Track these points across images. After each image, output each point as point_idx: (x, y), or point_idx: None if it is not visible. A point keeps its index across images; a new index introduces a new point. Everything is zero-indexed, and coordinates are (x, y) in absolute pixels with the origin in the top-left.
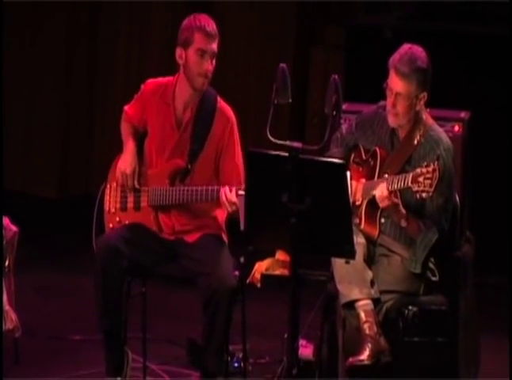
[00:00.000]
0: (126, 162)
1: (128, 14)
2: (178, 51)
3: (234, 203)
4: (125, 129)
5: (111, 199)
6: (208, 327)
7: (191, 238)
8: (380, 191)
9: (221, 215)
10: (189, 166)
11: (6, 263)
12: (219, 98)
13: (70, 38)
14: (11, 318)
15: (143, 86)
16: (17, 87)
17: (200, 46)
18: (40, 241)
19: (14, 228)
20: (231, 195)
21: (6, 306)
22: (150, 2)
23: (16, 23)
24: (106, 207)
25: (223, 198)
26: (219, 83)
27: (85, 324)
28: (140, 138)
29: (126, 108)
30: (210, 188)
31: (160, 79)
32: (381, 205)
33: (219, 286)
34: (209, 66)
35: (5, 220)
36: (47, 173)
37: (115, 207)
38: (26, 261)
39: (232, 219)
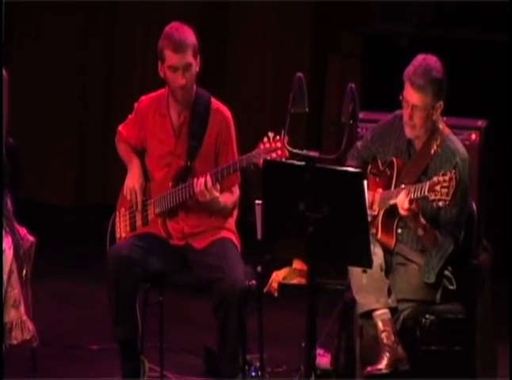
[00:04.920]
0: (134, 179)
1: (144, 15)
2: (159, 66)
3: (208, 190)
4: (124, 149)
5: (121, 225)
6: (220, 332)
7: (200, 244)
8: (402, 198)
9: (230, 217)
10: (189, 163)
11: (24, 273)
12: (212, 99)
13: (87, 40)
14: (28, 328)
15: (136, 105)
16: (33, 95)
17: (170, 63)
18: (56, 250)
19: (31, 238)
20: (208, 182)
21: (24, 316)
22: (167, 3)
23: (28, 28)
24: (118, 235)
25: (198, 187)
26: (235, 93)
27: (103, 333)
28: (140, 155)
29: (120, 128)
30: (189, 183)
31: (153, 94)
32: (402, 212)
33: (230, 289)
34: (181, 80)
35: (23, 230)
36: (63, 182)
37: (125, 231)
38: (43, 270)
39: (241, 219)
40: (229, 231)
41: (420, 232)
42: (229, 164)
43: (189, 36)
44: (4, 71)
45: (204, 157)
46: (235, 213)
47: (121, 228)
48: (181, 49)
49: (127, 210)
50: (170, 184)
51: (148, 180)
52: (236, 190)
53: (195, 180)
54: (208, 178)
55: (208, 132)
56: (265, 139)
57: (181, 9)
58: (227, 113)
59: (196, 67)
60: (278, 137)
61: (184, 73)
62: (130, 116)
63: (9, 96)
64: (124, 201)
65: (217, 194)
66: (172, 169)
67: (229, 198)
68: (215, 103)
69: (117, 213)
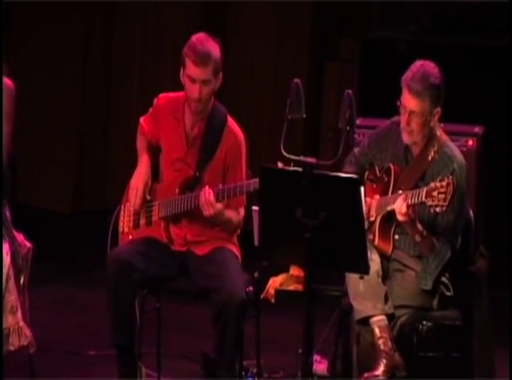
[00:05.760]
0: (139, 176)
1: (142, 15)
2: (180, 71)
3: (211, 205)
4: (140, 143)
5: (125, 219)
6: (218, 342)
7: (202, 251)
8: (400, 203)
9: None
10: (198, 174)
11: (22, 280)
12: (229, 117)
13: (85, 43)
14: (25, 334)
15: (155, 100)
16: (31, 101)
17: (189, 73)
18: (54, 256)
19: (28, 244)
20: (209, 195)
21: (21, 323)
22: (165, 3)
23: (26, 30)
24: (120, 229)
25: (202, 199)
26: (233, 98)
27: (100, 339)
28: (154, 153)
29: (141, 120)
30: (196, 193)
31: (172, 94)
32: (400, 218)
33: (229, 300)
34: (196, 93)
35: (20, 236)
36: (62, 188)
37: (128, 227)
38: (40, 276)
39: (245, 233)
40: (231, 243)
41: (417, 238)
42: (236, 185)
43: (213, 52)
44: (10, 81)
45: (213, 170)
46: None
47: (124, 223)
48: (201, 63)
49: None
50: (177, 191)
51: (157, 180)
52: (242, 211)
53: (201, 191)
54: (211, 193)
55: (220, 148)
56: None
57: (179, 10)
58: (241, 135)
59: (215, 83)
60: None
61: (201, 87)
62: (150, 110)
63: (14, 107)
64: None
65: (220, 207)
66: (180, 175)
67: (233, 214)
68: (231, 122)
69: (122, 207)
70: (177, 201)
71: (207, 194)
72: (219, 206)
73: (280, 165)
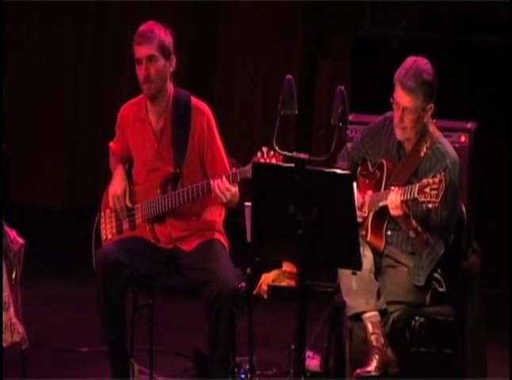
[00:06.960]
0: (116, 185)
1: (134, 15)
2: None
3: (228, 190)
4: (113, 161)
5: (107, 227)
6: (212, 333)
7: (188, 247)
8: (393, 198)
9: (218, 218)
10: (178, 170)
11: (13, 275)
12: (192, 97)
13: (77, 42)
14: (18, 331)
15: (119, 114)
16: (23, 98)
17: (135, 56)
18: (47, 253)
19: (21, 240)
20: (224, 183)
21: (13, 319)
22: (158, 2)
23: (18, 29)
24: (103, 236)
25: (217, 190)
26: (225, 95)
27: (92, 336)
28: (128, 164)
29: (111, 144)
30: (200, 183)
31: (132, 100)
32: (393, 213)
33: (221, 290)
34: (142, 71)
35: (12, 232)
36: (54, 185)
37: (112, 233)
38: (33, 273)
39: (230, 221)
40: (217, 232)
41: (412, 234)
42: (244, 169)
43: (156, 31)
44: None
45: (191, 162)
46: (223, 214)
47: (107, 229)
48: (143, 40)
49: (112, 211)
50: (158, 191)
51: (133, 183)
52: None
53: (212, 182)
54: (224, 180)
55: (192, 135)
56: (259, 154)
57: (171, 10)
58: (207, 111)
59: (166, 64)
60: (272, 152)
61: (147, 65)
62: (116, 128)
63: None
64: (109, 202)
65: (235, 189)
66: (159, 174)
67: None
68: (195, 101)
69: (102, 214)
70: (160, 201)
71: (220, 182)
72: (234, 189)
73: (264, 149)
